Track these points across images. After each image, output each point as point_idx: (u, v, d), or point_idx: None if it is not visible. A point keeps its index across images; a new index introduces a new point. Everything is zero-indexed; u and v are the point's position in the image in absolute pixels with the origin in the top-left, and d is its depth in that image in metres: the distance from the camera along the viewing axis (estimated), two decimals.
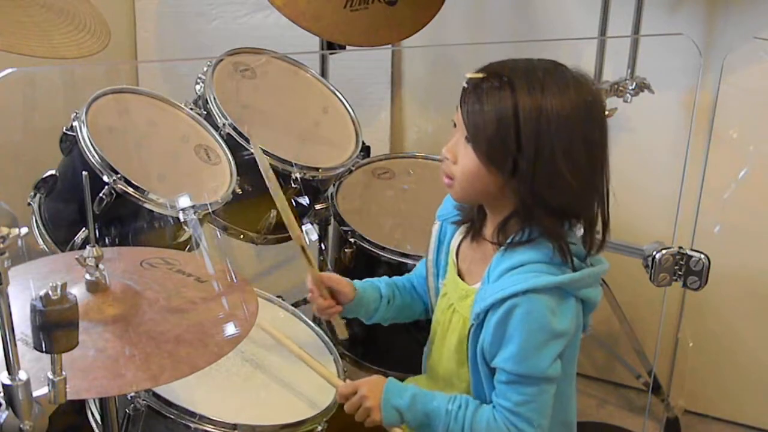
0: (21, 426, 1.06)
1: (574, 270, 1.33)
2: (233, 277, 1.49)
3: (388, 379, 1.43)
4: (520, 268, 1.32)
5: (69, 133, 1.80)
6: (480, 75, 1.32)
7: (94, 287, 1.32)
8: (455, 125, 1.35)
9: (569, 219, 1.35)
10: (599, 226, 1.37)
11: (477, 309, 1.35)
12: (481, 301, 1.34)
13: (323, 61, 2.30)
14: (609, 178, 1.35)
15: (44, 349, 1.04)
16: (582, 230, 1.36)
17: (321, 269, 2.19)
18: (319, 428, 1.50)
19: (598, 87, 1.35)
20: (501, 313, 1.31)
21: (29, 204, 1.87)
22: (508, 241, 1.35)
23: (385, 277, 1.64)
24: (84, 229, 1.74)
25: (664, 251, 1.86)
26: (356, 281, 1.59)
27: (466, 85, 1.32)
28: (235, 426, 1.43)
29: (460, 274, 1.46)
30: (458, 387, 1.46)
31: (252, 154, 1.96)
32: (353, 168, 2.13)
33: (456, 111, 1.34)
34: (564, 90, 1.29)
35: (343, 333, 1.65)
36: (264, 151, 1.96)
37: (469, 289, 1.41)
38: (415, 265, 1.67)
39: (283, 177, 1.99)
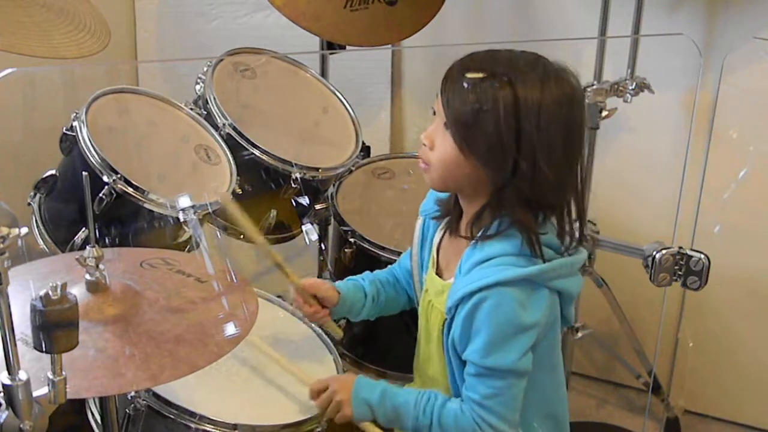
0: (21, 426, 1.06)
1: (545, 261, 1.33)
2: (233, 277, 1.49)
3: (359, 376, 1.45)
4: (489, 261, 1.32)
5: (69, 133, 1.80)
6: (466, 69, 1.31)
7: (94, 287, 1.32)
8: (434, 112, 1.36)
9: (542, 211, 1.34)
10: (575, 219, 1.37)
11: (449, 303, 1.35)
12: (452, 295, 1.35)
13: (323, 61, 2.30)
14: (584, 171, 1.35)
15: (44, 349, 1.04)
16: (556, 223, 1.36)
17: (321, 269, 2.21)
18: (319, 428, 1.50)
19: (578, 80, 1.34)
20: (469, 306, 1.31)
21: (29, 204, 1.87)
22: (479, 234, 1.36)
23: (368, 273, 1.65)
24: (84, 229, 1.74)
25: (664, 251, 1.86)
26: (339, 282, 1.60)
27: (457, 77, 1.31)
28: (235, 426, 1.43)
29: (438, 270, 1.47)
30: (445, 383, 1.46)
31: (252, 154, 1.97)
32: (353, 168, 2.13)
33: (436, 98, 1.34)
34: (545, 82, 1.28)
35: (337, 334, 1.66)
36: (264, 151, 1.98)
37: (444, 285, 1.42)
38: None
39: (283, 177, 1.99)
